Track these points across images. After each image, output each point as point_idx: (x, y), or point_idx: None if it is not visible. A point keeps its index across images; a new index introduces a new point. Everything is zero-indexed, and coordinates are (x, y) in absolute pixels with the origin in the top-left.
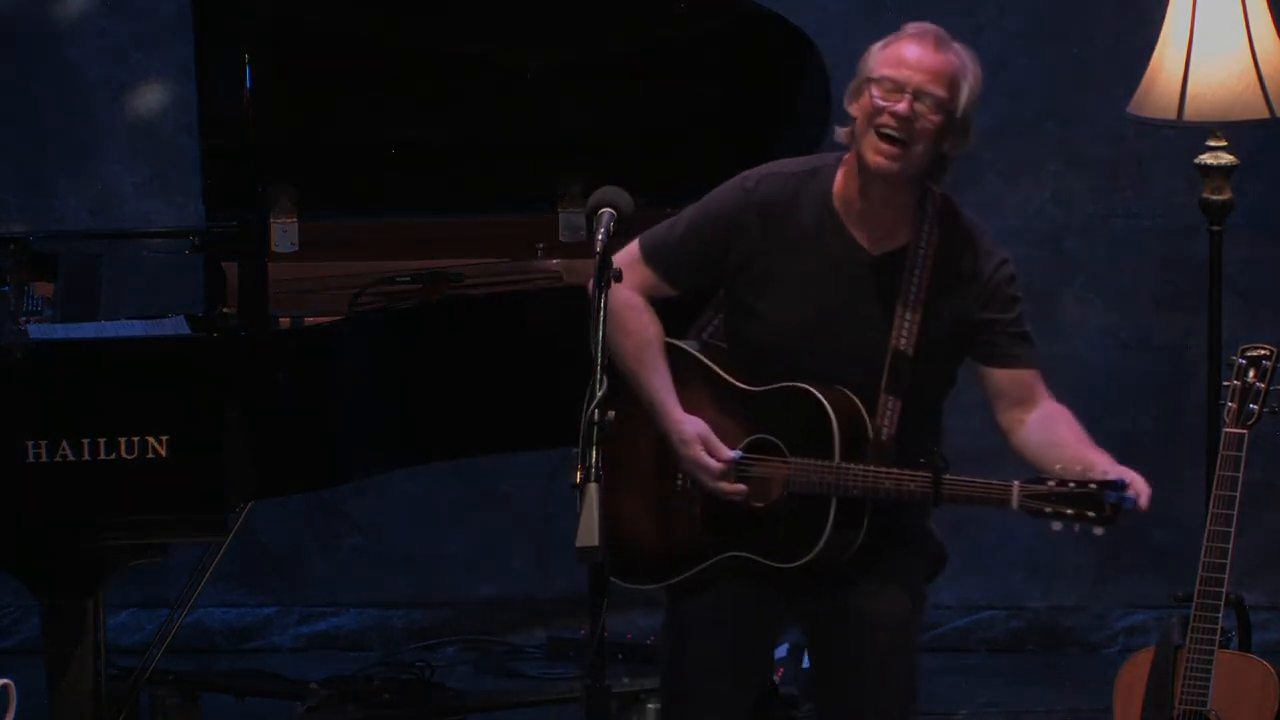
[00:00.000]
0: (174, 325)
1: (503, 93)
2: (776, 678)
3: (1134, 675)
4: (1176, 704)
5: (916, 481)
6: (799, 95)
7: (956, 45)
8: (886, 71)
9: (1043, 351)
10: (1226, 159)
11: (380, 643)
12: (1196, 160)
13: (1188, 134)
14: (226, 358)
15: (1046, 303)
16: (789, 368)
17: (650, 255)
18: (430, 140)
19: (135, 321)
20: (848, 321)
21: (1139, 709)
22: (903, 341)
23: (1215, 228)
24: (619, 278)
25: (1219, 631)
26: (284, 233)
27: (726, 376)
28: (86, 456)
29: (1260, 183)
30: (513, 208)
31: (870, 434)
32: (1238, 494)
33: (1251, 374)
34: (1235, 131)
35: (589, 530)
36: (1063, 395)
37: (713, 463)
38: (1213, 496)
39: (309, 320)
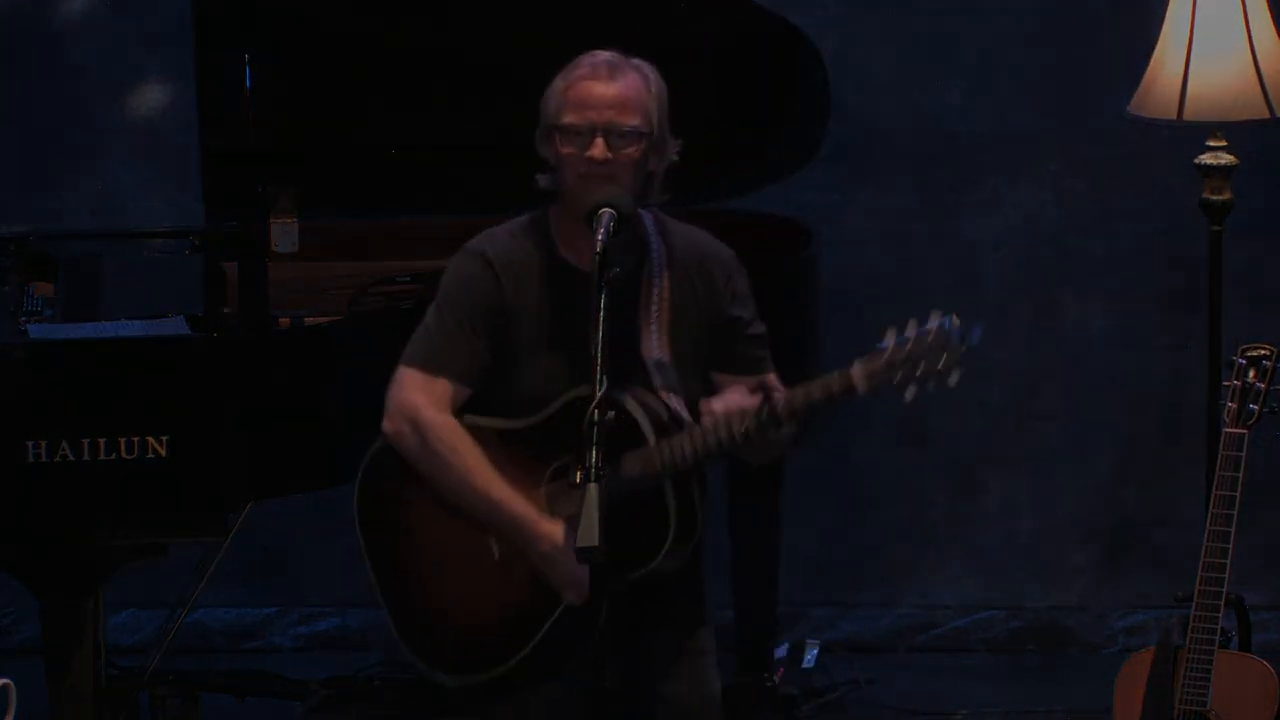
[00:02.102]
0: (174, 325)
1: (502, 93)
2: (776, 678)
3: (1134, 675)
4: (1176, 704)
5: (745, 417)
6: (799, 95)
7: (633, 63)
8: (570, 119)
9: (1043, 351)
10: (1226, 159)
11: (380, 643)
12: (1196, 160)
13: (1188, 134)
14: (226, 358)
15: (1046, 303)
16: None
17: (434, 367)
18: (430, 140)
19: (135, 321)
20: (611, 344)
21: (1139, 709)
22: (655, 351)
23: (1215, 228)
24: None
25: (1219, 631)
26: (284, 233)
27: (505, 424)
28: (86, 456)
29: (1260, 183)
30: (513, 208)
31: (669, 417)
32: (1238, 494)
33: (1251, 374)
34: (1235, 131)
35: (589, 530)
36: (1063, 395)
37: (582, 574)
38: (1213, 496)
39: (309, 320)
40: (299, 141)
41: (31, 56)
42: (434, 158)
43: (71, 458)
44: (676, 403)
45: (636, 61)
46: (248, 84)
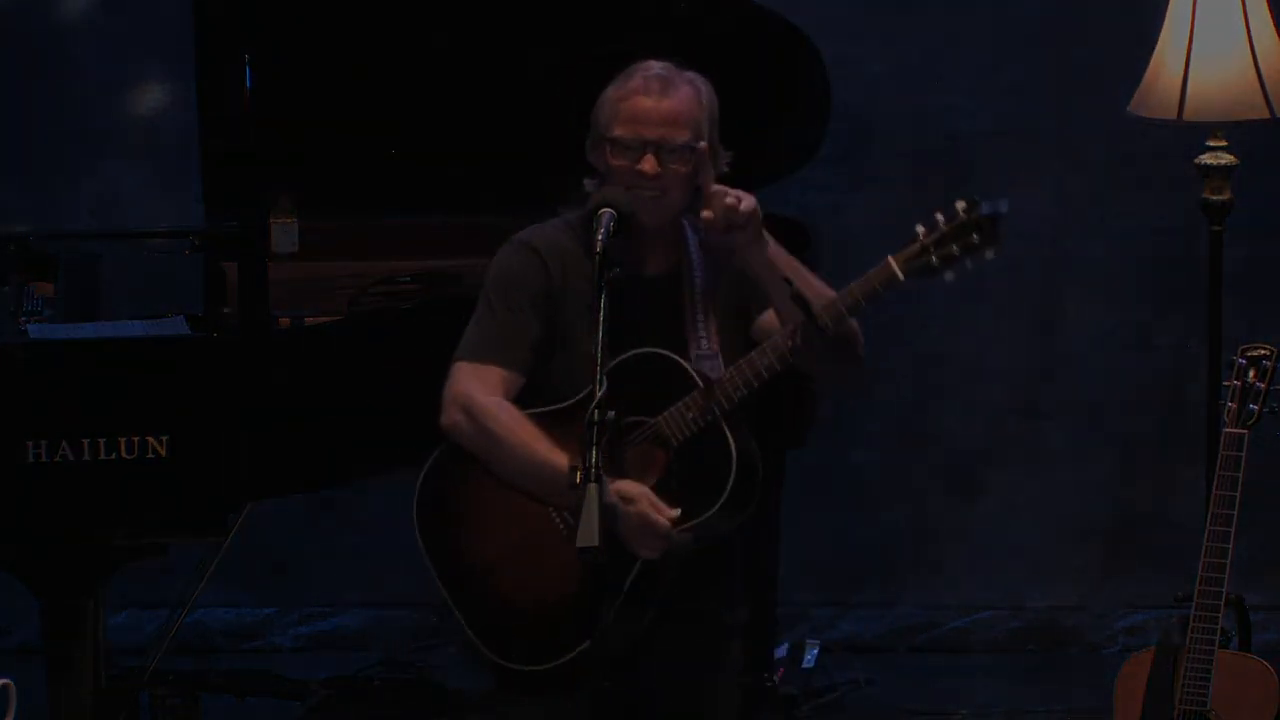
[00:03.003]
0: (174, 325)
1: (502, 93)
2: (776, 678)
3: (1134, 675)
4: (1176, 704)
5: (792, 334)
6: (799, 95)
7: (686, 76)
8: (622, 133)
9: (1043, 351)
10: (1226, 159)
11: (380, 643)
12: (1196, 160)
13: (1188, 134)
14: (226, 358)
15: (1046, 303)
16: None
17: (486, 356)
18: (430, 141)
19: (135, 321)
20: (647, 338)
21: (1139, 709)
22: (704, 346)
23: (1215, 228)
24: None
25: (1219, 631)
26: (284, 233)
27: (551, 408)
28: (86, 456)
29: (1260, 183)
30: (512, 208)
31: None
32: (1238, 494)
33: (1251, 374)
34: (1235, 131)
35: (589, 530)
36: (1063, 395)
37: (662, 521)
38: (1213, 496)
39: (309, 320)
40: (299, 141)
41: (31, 56)
42: (434, 158)
43: (71, 458)
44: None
45: (690, 75)
46: (248, 84)
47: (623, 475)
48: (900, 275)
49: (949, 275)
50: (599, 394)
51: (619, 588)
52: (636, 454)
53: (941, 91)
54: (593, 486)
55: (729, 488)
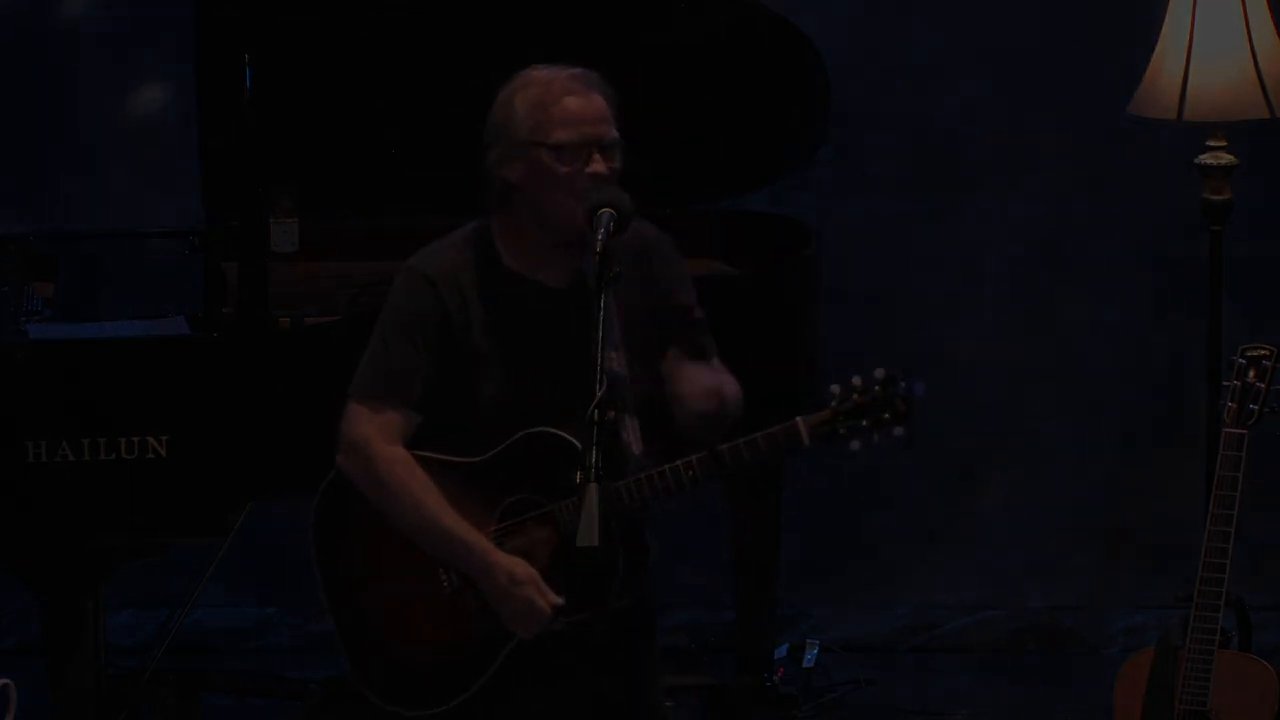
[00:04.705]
0: (174, 325)
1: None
2: (777, 677)
3: (1134, 675)
4: (1176, 704)
5: (692, 465)
6: (799, 95)
7: (595, 74)
8: (566, 136)
9: (1043, 352)
10: (1226, 159)
11: None
12: (1196, 160)
13: (1188, 134)
14: (226, 358)
15: (1046, 303)
16: (520, 425)
17: (383, 399)
18: (431, 140)
19: (135, 322)
20: (562, 357)
21: (1139, 709)
22: (614, 363)
23: (1215, 228)
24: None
25: (1219, 631)
26: (284, 233)
27: (453, 459)
28: (86, 456)
29: (1260, 183)
30: None
31: (621, 454)
32: (1238, 494)
33: (1251, 374)
34: (1235, 131)
35: (589, 530)
36: (1063, 395)
37: (545, 607)
38: (1213, 496)
39: (309, 320)
40: (299, 141)
41: (31, 56)
42: (434, 158)
43: (71, 458)
44: (630, 430)
45: (595, 73)
46: (248, 84)
47: (515, 553)
48: (805, 440)
49: (855, 445)
50: (599, 393)
51: (491, 660)
52: (527, 535)
53: (941, 91)
54: (592, 486)
55: (609, 597)
